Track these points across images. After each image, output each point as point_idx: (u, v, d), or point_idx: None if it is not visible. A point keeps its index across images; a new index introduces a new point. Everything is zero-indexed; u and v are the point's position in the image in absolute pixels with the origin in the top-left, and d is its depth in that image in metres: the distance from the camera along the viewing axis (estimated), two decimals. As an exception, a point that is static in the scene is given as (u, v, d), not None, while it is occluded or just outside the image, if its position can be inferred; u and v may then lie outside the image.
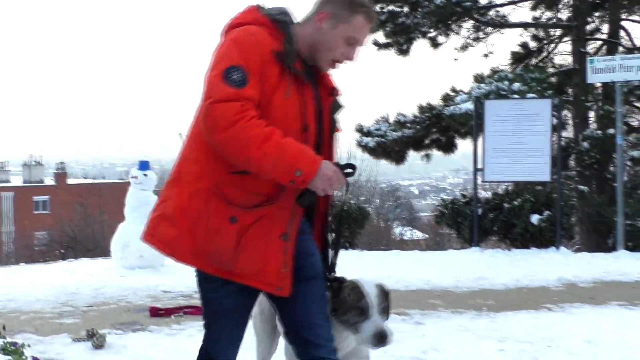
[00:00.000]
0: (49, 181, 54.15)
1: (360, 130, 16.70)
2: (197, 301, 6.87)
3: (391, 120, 16.78)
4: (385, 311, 2.72)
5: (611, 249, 11.03)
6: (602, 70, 10.57)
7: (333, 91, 2.82)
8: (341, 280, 2.81)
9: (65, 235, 28.26)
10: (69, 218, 33.53)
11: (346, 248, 12.42)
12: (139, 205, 9.12)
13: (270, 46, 2.57)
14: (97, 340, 5.21)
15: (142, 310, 6.59)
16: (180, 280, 8.15)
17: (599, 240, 12.44)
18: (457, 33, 16.72)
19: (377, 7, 15.73)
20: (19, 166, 57.58)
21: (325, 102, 2.77)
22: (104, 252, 13.32)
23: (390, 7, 16.07)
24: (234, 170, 2.53)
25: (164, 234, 2.58)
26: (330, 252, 2.90)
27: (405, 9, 16.10)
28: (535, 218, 11.00)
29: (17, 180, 54.51)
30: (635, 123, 15.68)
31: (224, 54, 2.55)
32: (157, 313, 6.43)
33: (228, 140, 2.41)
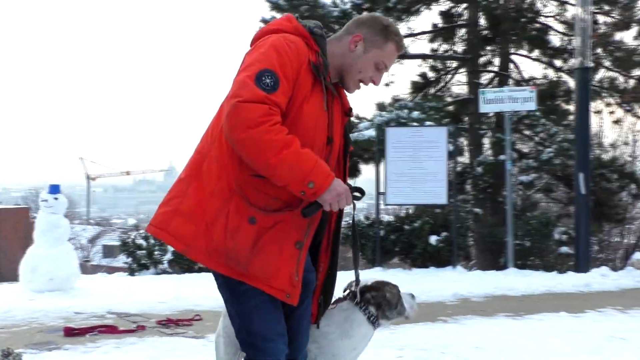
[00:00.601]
0: (-61, 207, 51.60)
1: None
2: (109, 321, 7.12)
3: None
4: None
5: (502, 267, 11.75)
6: (492, 101, 11.37)
7: (350, 112, 2.89)
8: (366, 285, 3.12)
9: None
10: (-39, 244, 32.17)
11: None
12: (49, 229, 9.12)
13: (307, 56, 2.61)
14: (14, 358, 5.22)
15: (55, 331, 6.61)
16: (91, 301, 8.25)
17: (492, 259, 13.25)
18: None
19: None
20: None
21: (341, 121, 2.84)
22: (3, 277, 13.04)
23: None
24: (257, 173, 2.52)
25: (179, 230, 2.58)
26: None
27: None
28: (433, 239, 11.68)
29: None
30: (525, 150, 16.72)
31: (261, 57, 2.54)
32: (71, 333, 6.46)
33: (248, 140, 2.40)
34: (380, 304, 3.08)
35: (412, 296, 3.29)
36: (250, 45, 2.77)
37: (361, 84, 2.84)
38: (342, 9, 15.62)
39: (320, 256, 2.93)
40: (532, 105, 11.41)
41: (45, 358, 5.54)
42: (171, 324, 6.97)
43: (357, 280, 3.05)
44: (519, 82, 16.80)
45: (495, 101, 11.38)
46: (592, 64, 12.33)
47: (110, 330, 6.63)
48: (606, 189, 16.68)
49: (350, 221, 3.49)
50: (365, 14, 2.91)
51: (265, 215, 2.55)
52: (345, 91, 2.87)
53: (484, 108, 11.67)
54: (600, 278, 10.36)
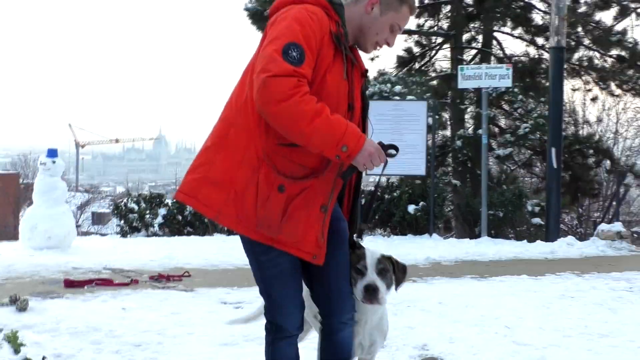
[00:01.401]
0: None
1: None
2: (106, 276, 7.65)
3: None
4: (382, 272, 2.93)
5: (478, 236, 12.39)
6: (470, 77, 11.90)
7: (365, 72, 2.95)
8: (357, 246, 3.00)
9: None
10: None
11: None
12: (48, 190, 9.64)
13: (328, 27, 2.66)
14: (20, 304, 5.69)
15: (56, 282, 7.16)
16: (88, 258, 8.81)
17: (469, 228, 13.85)
18: None
19: None
20: None
21: (359, 85, 2.90)
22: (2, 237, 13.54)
23: None
24: (284, 142, 2.59)
25: (209, 197, 2.66)
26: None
27: None
28: (411, 208, 12.30)
29: None
30: (504, 125, 17.28)
31: (285, 29, 2.58)
32: (71, 284, 7.01)
33: (282, 112, 2.45)
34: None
35: (369, 288, 2.92)
36: (270, 16, 2.81)
37: (378, 47, 2.94)
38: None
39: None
40: (508, 82, 11.94)
41: (48, 304, 6.02)
42: (162, 278, 7.52)
43: (360, 234, 3.09)
44: (501, 59, 17.30)
45: (474, 77, 11.90)
46: (565, 44, 12.78)
47: (106, 282, 7.18)
48: (582, 164, 17.33)
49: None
50: None
51: (292, 183, 2.62)
52: (361, 52, 2.94)
53: (462, 84, 12.17)
54: (565, 247, 10.95)
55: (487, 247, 10.75)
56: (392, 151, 2.84)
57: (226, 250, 10.03)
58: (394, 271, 3.02)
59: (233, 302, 6.40)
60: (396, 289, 3.06)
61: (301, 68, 2.51)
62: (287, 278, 2.79)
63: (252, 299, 6.49)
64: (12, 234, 20.49)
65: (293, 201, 2.62)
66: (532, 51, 18.09)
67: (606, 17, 17.73)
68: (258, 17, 16.45)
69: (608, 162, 17.72)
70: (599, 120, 19.99)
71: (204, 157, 2.75)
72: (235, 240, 10.13)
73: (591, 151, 17.55)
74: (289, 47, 2.52)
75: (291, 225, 2.63)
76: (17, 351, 4.06)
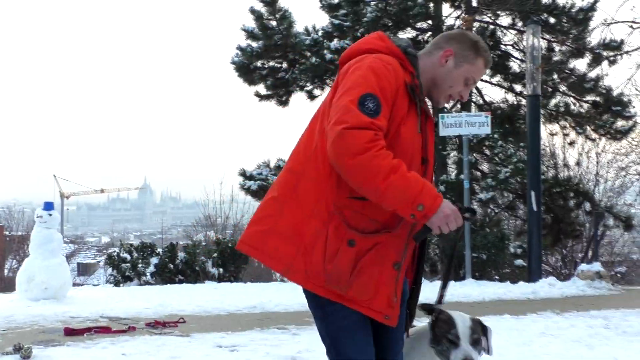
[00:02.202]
0: None
1: (243, 174, 17.23)
2: (103, 323, 7.82)
3: (272, 165, 17.49)
4: (476, 342, 2.68)
5: (462, 278, 12.65)
6: (451, 125, 12.29)
7: (435, 126, 2.85)
8: (437, 312, 2.79)
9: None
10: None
11: (231, 281, 13.53)
12: (44, 242, 9.83)
13: (403, 78, 2.54)
14: (24, 352, 5.77)
15: (55, 331, 7.24)
16: (84, 307, 8.95)
17: (454, 271, 14.12)
18: (330, 87, 17.58)
19: (259, 63, 16.89)
20: None
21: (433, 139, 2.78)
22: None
23: (271, 63, 17.09)
24: (356, 195, 2.47)
25: (277, 251, 2.52)
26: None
27: (285, 65, 17.11)
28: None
29: None
30: (486, 169, 17.68)
31: (361, 79, 2.47)
32: (71, 332, 7.10)
33: (356, 166, 2.33)
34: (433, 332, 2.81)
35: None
36: (341, 64, 2.72)
37: (451, 100, 2.82)
38: (314, 37, 16.46)
39: (407, 271, 2.86)
40: (487, 129, 12.38)
41: (51, 352, 6.14)
42: (158, 325, 7.64)
43: (441, 299, 2.92)
44: (481, 107, 17.70)
45: (454, 125, 12.30)
46: (540, 92, 13.28)
47: (105, 330, 7.29)
48: (563, 207, 17.73)
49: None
50: (454, 30, 2.94)
51: (363, 238, 2.48)
52: (432, 105, 2.81)
53: (443, 132, 12.55)
54: (547, 287, 11.25)
55: (471, 289, 11.02)
56: (468, 215, 2.66)
57: (218, 297, 10.27)
58: (484, 334, 2.78)
59: (228, 346, 6.52)
60: (490, 353, 2.79)
61: (377, 120, 2.40)
62: (358, 331, 2.57)
63: (247, 342, 6.72)
64: (3, 285, 20.48)
65: (364, 256, 2.48)
66: (511, 98, 18.48)
67: (580, 64, 18.31)
68: (244, 69, 16.96)
69: (588, 204, 18.12)
70: (578, 163, 20.38)
71: (270, 209, 2.61)
72: (227, 287, 10.71)
73: (571, 194, 17.99)
74: (365, 98, 2.42)
75: (362, 282, 2.49)
76: None
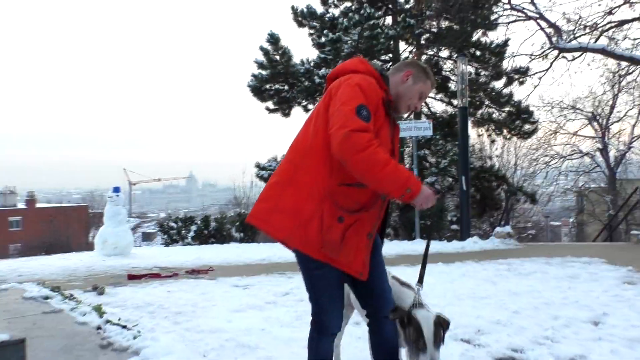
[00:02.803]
0: (21, 205, 51.52)
1: (258, 166, 17.24)
2: (156, 271, 8.02)
3: (278, 159, 17.48)
4: (438, 342, 2.50)
5: (413, 238, 12.85)
6: (404, 129, 12.40)
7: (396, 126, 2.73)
8: (407, 316, 2.55)
9: (43, 243, 27.65)
10: (40, 232, 32.61)
11: (249, 242, 13.65)
12: (113, 215, 10.05)
13: (381, 95, 2.49)
14: (99, 290, 6.16)
15: (121, 277, 7.53)
16: (142, 261, 9.18)
17: (407, 233, 14.29)
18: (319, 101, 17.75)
19: (267, 86, 16.86)
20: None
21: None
22: (78, 249, 13.84)
23: (276, 86, 17.07)
24: (343, 182, 2.42)
25: (280, 223, 2.46)
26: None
27: (286, 87, 17.11)
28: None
29: (-6, 205, 51.45)
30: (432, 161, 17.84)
31: (354, 93, 2.41)
32: (132, 277, 7.39)
33: (360, 161, 2.28)
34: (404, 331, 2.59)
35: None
36: (329, 80, 2.64)
37: (409, 110, 2.71)
38: (307, 67, 16.55)
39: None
40: (429, 132, 12.46)
41: (118, 290, 6.43)
42: (194, 272, 7.90)
43: (421, 277, 2.77)
44: (428, 116, 17.81)
45: (406, 129, 12.43)
46: (467, 104, 13.38)
47: (156, 275, 7.57)
48: (487, 187, 17.91)
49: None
50: (409, 59, 2.84)
51: (349, 215, 2.44)
52: (395, 114, 2.70)
53: (400, 134, 12.68)
54: (472, 244, 11.38)
55: (418, 246, 11.18)
56: (438, 195, 2.70)
57: (238, 253, 10.48)
58: (443, 329, 2.57)
59: (242, 285, 6.74)
60: (443, 343, 2.58)
61: (370, 124, 2.35)
62: (334, 288, 2.55)
63: (255, 283, 6.90)
64: (84, 248, 20.75)
65: (348, 229, 2.44)
66: (450, 109, 18.63)
67: (500, 84, 18.39)
68: (257, 91, 17.03)
69: (505, 185, 18.31)
70: (498, 156, 20.55)
71: (273, 190, 2.54)
72: (245, 247, 10.96)
73: (493, 177, 18.18)
74: (361, 108, 2.36)
75: (347, 249, 2.45)
76: (101, 316, 4.40)
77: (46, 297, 5.12)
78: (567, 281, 6.68)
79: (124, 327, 4.03)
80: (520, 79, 17.17)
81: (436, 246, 11.17)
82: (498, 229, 12.15)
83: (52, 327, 4.04)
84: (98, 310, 4.53)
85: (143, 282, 7.06)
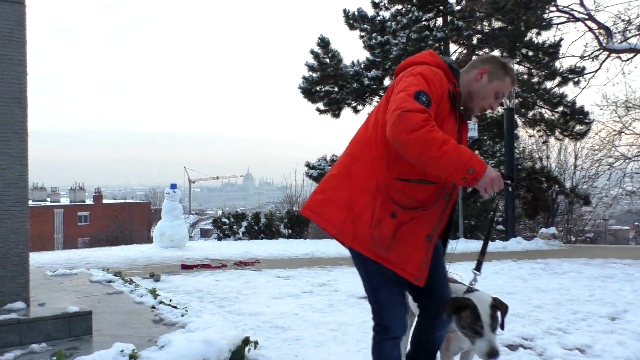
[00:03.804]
0: (89, 201, 54.42)
1: (308, 165, 17.74)
2: (206, 262, 8.60)
3: (327, 158, 17.93)
4: (494, 327, 2.33)
5: (457, 238, 12.99)
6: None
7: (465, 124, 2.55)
8: (463, 302, 2.36)
9: (108, 236, 29.32)
10: (106, 227, 34.53)
11: (296, 238, 14.16)
12: (170, 210, 10.72)
13: (447, 86, 2.33)
14: (156, 277, 6.71)
15: (176, 266, 8.10)
16: (196, 253, 9.80)
17: (453, 234, 14.42)
18: (369, 103, 17.70)
19: (318, 88, 17.28)
20: (66, 190, 57.55)
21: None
22: (137, 243, 14.77)
23: (326, 88, 17.45)
24: (401, 177, 2.27)
25: (332, 216, 2.33)
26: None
27: (336, 89, 17.47)
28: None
29: (65, 201, 54.52)
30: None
31: (415, 81, 2.25)
32: (185, 267, 7.96)
33: (414, 140, 2.08)
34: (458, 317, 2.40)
35: (493, 353, 2.27)
36: (396, 74, 2.47)
37: (484, 110, 2.50)
38: (356, 69, 16.89)
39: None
40: (474, 134, 12.58)
41: (172, 278, 6.99)
42: (241, 264, 8.41)
43: (479, 264, 2.61)
44: (476, 117, 17.78)
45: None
46: (514, 106, 13.38)
47: (206, 266, 8.11)
48: (538, 189, 17.72)
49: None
50: (486, 54, 2.57)
51: (404, 212, 2.27)
52: (468, 113, 2.50)
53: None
54: (515, 244, 11.41)
55: (464, 245, 11.24)
56: (509, 181, 2.37)
57: (285, 248, 11.00)
58: (501, 313, 2.41)
59: (284, 276, 7.18)
60: (502, 329, 2.43)
61: (430, 111, 2.16)
62: (393, 285, 2.35)
63: (296, 275, 7.33)
64: (146, 241, 21.91)
65: (403, 226, 2.27)
66: (500, 109, 18.49)
67: (552, 84, 18.08)
68: (308, 92, 17.52)
69: (556, 186, 18.04)
70: (548, 157, 20.14)
71: (330, 182, 2.41)
72: (292, 242, 11.57)
73: (544, 179, 17.95)
74: (419, 93, 2.20)
75: (399, 247, 2.27)
76: (155, 298, 4.93)
77: (109, 281, 5.76)
78: (600, 281, 6.79)
79: (174, 307, 4.56)
80: (576, 79, 16.87)
81: (476, 245, 11.14)
82: (543, 230, 12.15)
83: (113, 305, 4.64)
84: (153, 293, 5.04)
85: (195, 272, 7.59)
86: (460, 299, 2.38)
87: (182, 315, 4.21)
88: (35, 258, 8.62)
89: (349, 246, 2.34)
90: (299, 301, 5.56)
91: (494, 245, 11.28)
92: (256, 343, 3.58)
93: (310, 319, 4.77)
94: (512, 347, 3.92)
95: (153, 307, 4.57)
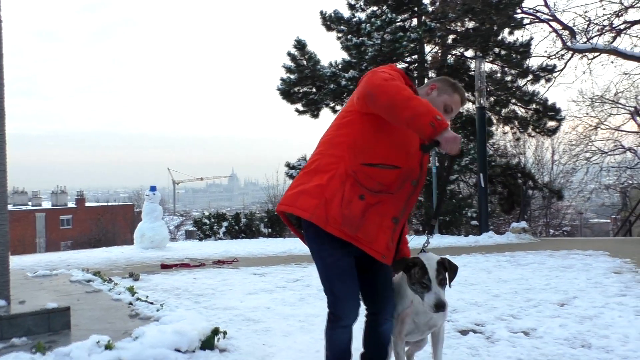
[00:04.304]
0: (72, 204, 54.01)
1: (288, 165, 17.96)
2: (186, 262, 8.80)
3: (307, 158, 18.33)
4: (442, 282, 2.48)
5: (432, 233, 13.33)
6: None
7: None
8: (411, 259, 2.54)
9: (91, 239, 29.27)
10: (89, 230, 34.42)
11: (276, 237, 14.35)
12: (150, 212, 10.90)
13: (408, 83, 2.51)
14: (135, 277, 6.94)
15: (155, 266, 8.30)
16: (176, 253, 9.97)
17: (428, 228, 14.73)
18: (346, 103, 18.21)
19: (296, 89, 17.55)
20: (48, 194, 57.03)
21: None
22: (119, 244, 14.86)
23: (304, 89, 17.74)
24: (367, 162, 2.43)
25: (304, 204, 2.43)
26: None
27: (314, 90, 17.75)
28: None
29: (47, 204, 54.05)
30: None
31: (375, 70, 2.46)
32: (164, 266, 8.16)
33: (384, 88, 2.27)
34: (409, 275, 2.57)
35: (440, 305, 2.43)
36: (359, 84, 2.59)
37: None
38: (333, 70, 17.16)
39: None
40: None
41: (151, 277, 7.17)
42: (220, 262, 8.63)
43: (432, 227, 2.78)
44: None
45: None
46: (486, 104, 13.72)
47: (185, 265, 8.32)
48: (513, 184, 18.12)
49: None
50: (440, 77, 2.87)
51: (371, 195, 2.42)
52: None
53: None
54: (487, 238, 11.72)
55: (438, 240, 11.66)
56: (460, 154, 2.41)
57: (264, 247, 11.22)
58: (448, 272, 2.55)
59: (259, 273, 7.41)
60: (450, 286, 2.56)
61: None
62: (347, 277, 2.48)
63: (272, 272, 7.55)
64: (129, 243, 22.05)
65: (370, 208, 2.41)
66: (472, 107, 18.86)
67: (524, 82, 18.45)
68: (286, 94, 17.73)
69: (530, 181, 18.45)
70: (521, 153, 20.55)
71: (301, 179, 2.55)
72: (271, 241, 11.90)
73: (519, 174, 18.36)
74: (382, 71, 2.41)
75: (367, 227, 2.41)
76: (132, 295, 5.14)
77: (89, 280, 5.97)
78: (558, 271, 7.13)
79: (151, 303, 4.81)
80: (547, 77, 17.21)
81: (450, 240, 11.60)
82: (514, 224, 12.47)
83: (92, 302, 4.86)
84: (131, 290, 5.26)
85: (174, 271, 7.80)
86: (410, 258, 2.58)
87: (157, 310, 4.45)
88: (16, 261, 8.77)
89: (315, 227, 2.42)
90: (272, 296, 5.82)
91: (466, 240, 11.60)
92: (225, 333, 3.83)
93: (281, 312, 5.02)
94: (464, 332, 4.21)
95: (130, 303, 4.79)
